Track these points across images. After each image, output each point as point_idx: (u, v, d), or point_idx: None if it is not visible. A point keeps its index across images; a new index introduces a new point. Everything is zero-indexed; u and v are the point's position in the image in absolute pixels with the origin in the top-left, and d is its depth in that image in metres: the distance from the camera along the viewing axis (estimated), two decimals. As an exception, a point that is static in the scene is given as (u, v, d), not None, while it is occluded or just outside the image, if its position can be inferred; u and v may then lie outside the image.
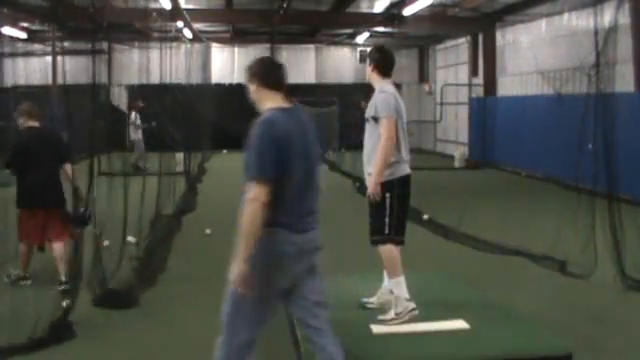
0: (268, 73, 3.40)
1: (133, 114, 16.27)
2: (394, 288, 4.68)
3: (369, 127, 4.80)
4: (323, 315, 3.41)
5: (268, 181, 3.10)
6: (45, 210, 6.08)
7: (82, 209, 5.90)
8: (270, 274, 3.16)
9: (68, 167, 6.24)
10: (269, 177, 3.10)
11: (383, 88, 4.80)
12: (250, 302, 3.14)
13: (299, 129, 3.28)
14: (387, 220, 4.65)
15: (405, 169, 4.75)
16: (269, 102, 3.34)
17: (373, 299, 5.01)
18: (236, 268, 3.05)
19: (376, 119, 4.67)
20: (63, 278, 5.91)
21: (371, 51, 5.02)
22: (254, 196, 3.08)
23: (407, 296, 4.65)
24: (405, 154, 4.76)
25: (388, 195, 4.65)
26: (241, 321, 3.22)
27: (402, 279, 4.67)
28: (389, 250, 4.68)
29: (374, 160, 4.66)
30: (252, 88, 3.39)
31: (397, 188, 4.67)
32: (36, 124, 6.25)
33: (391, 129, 4.61)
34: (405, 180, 4.73)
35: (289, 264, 3.21)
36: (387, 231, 4.67)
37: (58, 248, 6.02)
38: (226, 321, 3.24)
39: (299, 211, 3.26)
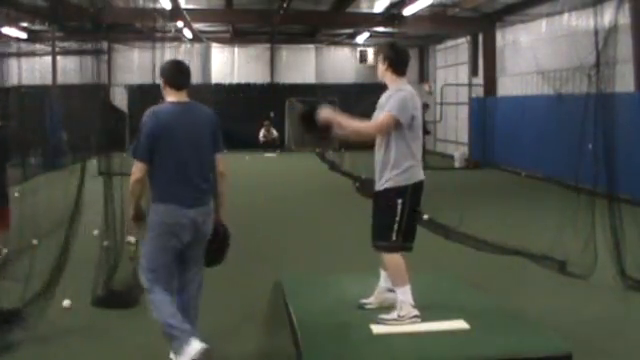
0: (171, 76, 4.11)
1: None
2: (400, 295, 4.62)
3: None
4: (198, 278, 4.30)
5: (142, 160, 3.92)
6: None
7: None
8: (167, 237, 3.98)
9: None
10: (142, 157, 3.92)
11: (400, 87, 4.60)
12: (157, 250, 4.03)
13: (189, 122, 4.04)
14: (395, 227, 4.52)
15: (419, 174, 4.62)
16: (169, 97, 4.11)
17: (371, 299, 5.00)
18: (131, 212, 4.10)
19: None
20: None
21: (382, 48, 4.76)
22: (133, 171, 3.97)
23: (412, 303, 4.62)
24: (419, 157, 4.65)
25: (400, 201, 4.51)
26: (160, 268, 4.06)
27: (408, 287, 4.61)
28: (394, 258, 4.59)
29: (387, 167, 4.53)
30: (161, 84, 4.12)
31: (410, 194, 4.54)
32: None
33: (388, 126, 4.45)
34: (419, 186, 4.62)
35: (181, 231, 3.97)
36: (394, 238, 4.54)
37: None
38: (146, 259, 4.12)
39: (189, 190, 3.99)
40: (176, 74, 4.11)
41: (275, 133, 23.28)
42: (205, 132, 4.10)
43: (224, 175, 4.22)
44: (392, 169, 4.54)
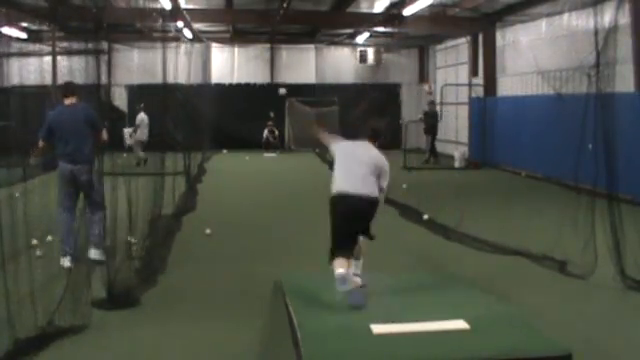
0: (63, 88, 6.91)
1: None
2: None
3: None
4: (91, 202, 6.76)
5: (42, 139, 6.82)
6: None
7: None
8: (62, 181, 6.73)
9: None
10: (42, 137, 6.80)
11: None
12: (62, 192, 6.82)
13: (70, 117, 6.69)
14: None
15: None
16: (64, 101, 6.80)
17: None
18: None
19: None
20: None
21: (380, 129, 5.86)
22: (39, 143, 6.87)
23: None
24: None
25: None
26: (61, 197, 6.80)
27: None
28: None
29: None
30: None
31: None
32: None
33: None
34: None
35: (67, 177, 6.69)
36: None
37: None
38: (58, 199, 6.83)
39: (69, 154, 6.60)
40: (64, 87, 6.85)
41: (277, 134, 23.35)
42: (82, 122, 6.62)
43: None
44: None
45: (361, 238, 5.58)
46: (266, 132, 23.30)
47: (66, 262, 6.50)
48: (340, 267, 5.24)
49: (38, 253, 7.10)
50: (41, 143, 6.82)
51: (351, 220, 5.49)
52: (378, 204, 5.52)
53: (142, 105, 17.62)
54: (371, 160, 5.59)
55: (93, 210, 6.73)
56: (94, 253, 6.67)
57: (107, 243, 6.36)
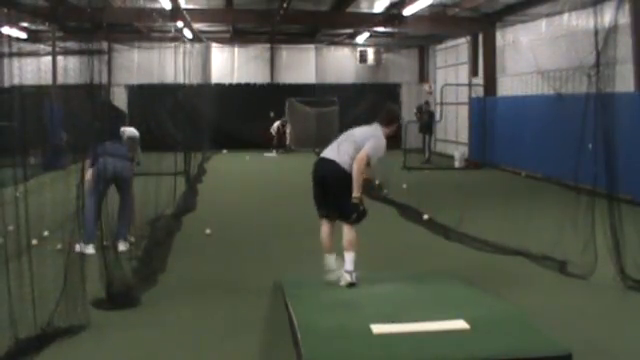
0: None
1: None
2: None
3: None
4: (125, 197, 7.54)
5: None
6: None
7: None
8: (102, 177, 6.80)
9: None
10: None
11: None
12: (96, 189, 6.81)
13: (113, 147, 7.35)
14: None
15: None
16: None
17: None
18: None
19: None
20: None
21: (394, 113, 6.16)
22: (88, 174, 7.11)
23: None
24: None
25: None
26: (91, 192, 6.83)
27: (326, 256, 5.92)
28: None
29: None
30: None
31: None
32: None
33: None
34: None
35: (108, 172, 6.90)
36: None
37: None
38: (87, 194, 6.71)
39: (113, 153, 7.08)
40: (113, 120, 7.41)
41: (287, 134, 23.25)
42: (121, 150, 7.59)
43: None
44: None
45: (346, 229, 5.73)
46: (277, 124, 23.04)
47: (89, 249, 6.79)
48: (327, 253, 5.91)
49: (59, 247, 7.10)
50: (90, 172, 6.87)
51: (319, 184, 5.78)
52: (348, 180, 5.55)
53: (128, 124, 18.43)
54: (360, 136, 5.72)
55: (126, 206, 7.44)
56: (123, 245, 7.19)
57: (105, 243, 6.34)
